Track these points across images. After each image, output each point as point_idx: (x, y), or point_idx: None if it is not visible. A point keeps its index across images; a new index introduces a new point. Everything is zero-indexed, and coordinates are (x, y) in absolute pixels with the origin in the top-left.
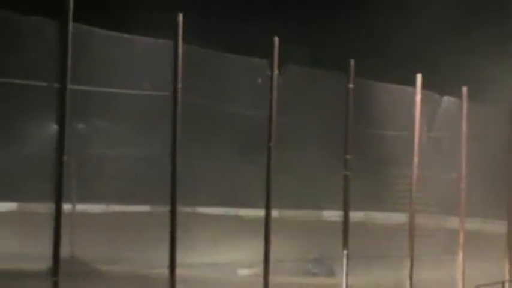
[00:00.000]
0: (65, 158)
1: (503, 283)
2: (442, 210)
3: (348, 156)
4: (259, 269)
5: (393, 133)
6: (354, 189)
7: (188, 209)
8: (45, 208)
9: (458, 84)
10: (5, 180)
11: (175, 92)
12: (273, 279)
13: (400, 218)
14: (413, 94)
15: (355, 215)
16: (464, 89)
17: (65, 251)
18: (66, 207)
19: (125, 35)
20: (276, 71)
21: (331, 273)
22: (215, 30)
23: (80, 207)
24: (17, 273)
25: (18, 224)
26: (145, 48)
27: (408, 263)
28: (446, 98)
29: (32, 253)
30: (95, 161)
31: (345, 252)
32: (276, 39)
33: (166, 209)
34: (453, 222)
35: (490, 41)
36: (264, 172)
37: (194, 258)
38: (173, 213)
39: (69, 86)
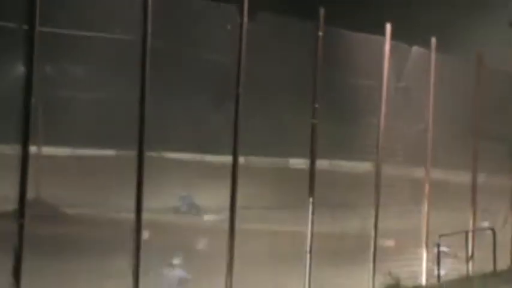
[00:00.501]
0: (33, 100)
1: (466, 232)
2: (408, 161)
3: (316, 105)
4: (225, 215)
5: (362, 82)
6: (320, 138)
7: (154, 154)
8: (12, 150)
9: (427, 34)
10: None
11: (144, 36)
12: (238, 225)
13: (366, 167)
14: (383, 43)
15: (321, 163)
16: (433, 40)
17: (31, 194)
18: (33, 149)
19: None
20: (245, 18)
21: (198, 210)
22: None
23: (47, 149)
24: None
25: None
26: None
27: (373, 213)
28: (415, 49)
29: None
30: (62, 104)
31: (310, 200)
32: None
33: (133, 153)
34: (419, 172)
35: None
36: (232, 119)
37: (160, 203)
38: (140, 157)
39: (38, 28)
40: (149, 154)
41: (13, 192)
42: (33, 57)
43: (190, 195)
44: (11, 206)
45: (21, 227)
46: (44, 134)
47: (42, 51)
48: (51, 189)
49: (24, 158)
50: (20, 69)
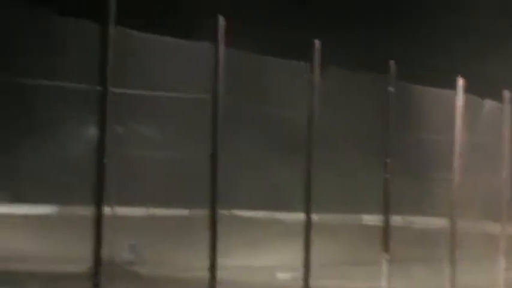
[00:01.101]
0: (105, 160)
1: None
2: (483, 215)
3: (388, 160)
4: (299, 273)
5: (434, 136)
6: (393, 194)
7: (226, 212)
8: (86, 211)
9: (499, 87)
10: (46, 183)
11: (215, 95)
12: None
13: (439, 222)
14: (454, 97)
15: (394, 219)
16: (505, 93)
17: (104, 253)
18: (106, 210)
19: (166, 38)
20: (316, 74)
21: (144, 261)
22: (256, 33)
23: (120, 210)
24: (59, 275)
25: (59, 226)
26: (186, 51)
27: (449, 268)
28: (487, 102)
29: (73, 255)
30: (135, 164)
31: (385, 256)
32: (317, 42)
33: (204, 212)
34: (495, 227)
35: None
36: (304, 175)
37: (232, 261)
38: (213, 216)
39: (110, 89)
40: (221, 212)
41: (88, 253)
42: (105, 117)
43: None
44: (86, 266)
45: (96, 286)
46: (116, 194)
47: (114, 112)
48: (125, 249)
49: (98, 218)
50: (93, 129)
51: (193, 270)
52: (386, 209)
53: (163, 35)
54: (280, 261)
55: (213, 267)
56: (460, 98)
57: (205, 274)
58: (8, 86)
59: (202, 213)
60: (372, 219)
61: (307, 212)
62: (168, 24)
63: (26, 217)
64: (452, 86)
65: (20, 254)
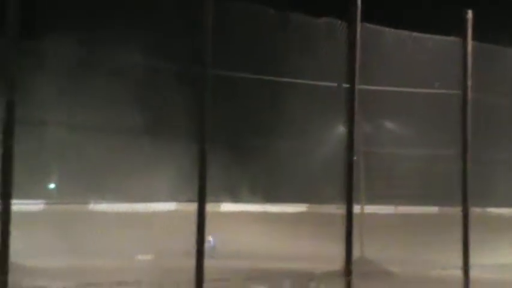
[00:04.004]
0: (355, 158)
1: None
2: None
3: None
4: None
5: None
6: None
7: (478, 210)
8: (334, 209)
9: None
10: (296, 181)
11: (465, 91)
12: None
13: None
14: None
15: None
16: None
17: (355, 252)
18: (355, 208)
19: (414, 34)
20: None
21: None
22: (505, 26)
23: (369, 208)
24: (310, 273)
25: (308, 225)
26: (433, 47)
27: None
28: None
29: (324, 253)
30: (382, 161)
31: None
32: None
33: (455, 209)
34: None
35: None
36: None
37: (486, 260)
38: (465, 214)
39: (358, 86)
40: (473, 210)
41: (337, 251)
42: (354, 115)
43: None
44: (338, 264)
45: (348, 284)
46: (366, 192)
47: (361, 109)
48: (375, 247)
49: (349, 216)
50: (340, 128)
51: (445, 269)
52: None
53: (411, 30)
54: None
55: (466, 266)
56: None
57: (458, 273)
58: (256, 84)
59: (453, 211)
60: None
61: None
62: (415, 20)
63: (278, 216)
64: None
65: (271, 252)
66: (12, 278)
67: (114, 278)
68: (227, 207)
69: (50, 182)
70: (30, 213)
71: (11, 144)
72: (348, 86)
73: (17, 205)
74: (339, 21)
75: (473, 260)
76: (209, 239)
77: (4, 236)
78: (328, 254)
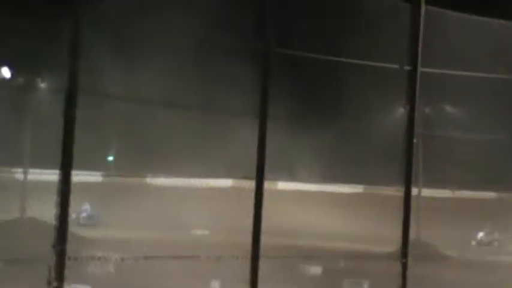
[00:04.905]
0: (415, 141)
1: None
2: None
3: None
4: None
5: None
6: None
7: None
8: (390, 191)
9: None
10: (353, 162)
11: None
12: None
13: None
14: None
15: None
16: None
17: (411, 234)
18: (413, 190)
19: (478, 17)
20: None
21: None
22: None
23: (426, 191)
24: (365, 254)
25: (365, 206)
26: (498, 30)
27: None
28: None
29: (379, 235)
30: (441, 145)
31: None
32: None
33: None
34: None
35: None
36: None
37: None
38: None
39: (420, 69)
40: None
41: (393, 233)
42: (415, 97)
43: None
44: (394, 246)
45: (404, 266)
46: (423, 175)
47: (422, 92)
48: (431, 230)
49: (407, 199)
50: (400, 110)
51: (499, 254)
52: None
53: (476, 14)
54: None
55: None
56: None
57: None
58: (319, 64)
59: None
60: None
61: None
62: (480, 3)
63: (335, 195)
64: None
65: (327, 232)
66: (70, 247)
67: (171, 251)
68: (284, 185)
69: (109, 155)
70: (89, 184)
71: (73, 115)
72: (410, 68)
73: (77, 176)
74: (403, 3)
75: None
76: (86, 207)
77: (64, 206)
78: (384, 236)
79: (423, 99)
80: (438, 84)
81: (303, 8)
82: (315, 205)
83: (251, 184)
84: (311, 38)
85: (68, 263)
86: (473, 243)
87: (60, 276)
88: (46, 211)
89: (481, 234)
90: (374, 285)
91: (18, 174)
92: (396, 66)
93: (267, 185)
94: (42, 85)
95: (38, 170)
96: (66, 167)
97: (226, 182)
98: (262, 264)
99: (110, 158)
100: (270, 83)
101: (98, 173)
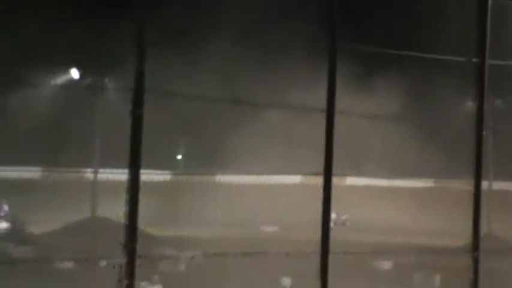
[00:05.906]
0: (484, 134)
1: None
2: None
3: None
4: None
5: None
6: None
7: None
8: (461, 184)
9: None
10: (423, 156)
11: None
12: None
13: None
14: None
15: None
16: None
17: (481, 227)
18: (483, 184)
19: None
20: None
21: None
22: None
23: (496, 184)
24: (435, 248)
25: (435, 200)
26: None
27: None
28: None
29: (451, 229)
30: (511, 138)
31: None
32: None
33: None
34: None
35: None
36: None
37: None
38: None
39: (488, 61)
40: None
41: (464, 226)
42: (484, 90)
43: None
44: (465, 240)
45: (475, 260)
46: (494, 168)
47: (490, 84)
48: (502, 224)
49: (477, 193)
50: (469, 103)
51: None
52: None
53: None
54: None
55: None
56: None
57: None
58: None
59: None
60: None
61: None
62: None
63: (404, 190)
64: None
65: (397, 227)
66: (140, 246)
67: (240, 248)
68: (353, 181)
69: (178, 153)
70: (157, 183)
71: (141, 115)
72: (477, 60)
73: (145, 175)
74: None
75: None
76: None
77: (133, 205)
78: (455, 229)
79: (492, 92)
80: (508, 76)
81: (369, 2)
82: (384, 200)
83: (319, 180)
84: (377, 32)
85: (138, 261)
86: None
87: (130, 275)
88: (116, 210)
89: None
90: (445, 279)
91: (88, 174)
92: (463, 59)
93: (335, 180)
94: (110, 85)
95: (107, 170)
96: (135, 166)
97: (295, 179)
98: (332, 260)
99: (179, 157)
100: (336, 79)
101: (167, 172)
